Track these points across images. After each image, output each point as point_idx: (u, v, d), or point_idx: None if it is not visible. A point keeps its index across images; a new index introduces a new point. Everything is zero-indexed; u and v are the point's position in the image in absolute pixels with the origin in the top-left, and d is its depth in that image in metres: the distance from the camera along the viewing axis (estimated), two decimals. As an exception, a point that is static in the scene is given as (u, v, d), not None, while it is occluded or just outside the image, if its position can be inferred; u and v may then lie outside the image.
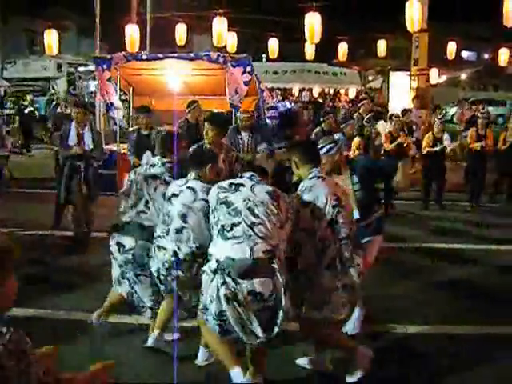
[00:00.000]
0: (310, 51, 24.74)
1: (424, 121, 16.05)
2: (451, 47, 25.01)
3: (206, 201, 4.90)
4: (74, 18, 38.54)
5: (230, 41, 22.83)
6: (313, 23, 17.62)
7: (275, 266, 4.43)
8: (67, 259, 8.45)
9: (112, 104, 13.21)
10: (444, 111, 23.96)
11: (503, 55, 22.76)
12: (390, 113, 15.92)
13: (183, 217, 5.02)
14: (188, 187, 5.09)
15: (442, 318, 6.49)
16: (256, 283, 4.37)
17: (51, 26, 19.02)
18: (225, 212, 4.53)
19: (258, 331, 4.43)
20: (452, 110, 27.41)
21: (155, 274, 5.23)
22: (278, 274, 4.42)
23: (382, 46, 26.03)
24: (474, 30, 36.61)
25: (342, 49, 25.73)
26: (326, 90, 34.84)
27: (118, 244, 5.60)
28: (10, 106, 29.81)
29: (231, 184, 4.68)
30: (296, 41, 25.49)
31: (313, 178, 4.90)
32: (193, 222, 5.00)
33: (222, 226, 4.52)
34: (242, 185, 4.64)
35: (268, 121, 14.15)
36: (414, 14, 16.59)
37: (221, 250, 4.49)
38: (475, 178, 12.83)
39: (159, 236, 5.19)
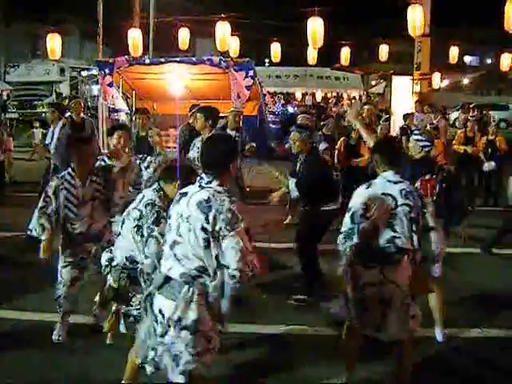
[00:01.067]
0: (312, 56, 24.70)
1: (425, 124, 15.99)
2: (454, 52, 24.99)
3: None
4: (77, 22, 38.67)
5: (233, 45, 22.81)
6: (315, 28, 17.61)
7: (190, 290, 3.96)
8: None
9: (112, 109, 13.24)
10: (447, 115, 24.00)
11: (506, 60, 22.71)
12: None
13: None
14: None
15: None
16: (162, 300, 4.05)
17: (54, 30, 19.02)
18: (166, 225, 4.27)
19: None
20: (454, 115, 27.40)
21: None
22: (195, 300, 3.97)
23: (384, 51, 26.00)
24: (477, 35, 36.58)
25: (345, 53, 25.71)
26: (329, 95, 34.87)
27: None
28: (12, 109, 29.96)
29: (181, 193, 4.17)
30: (299, 45, 25.47)
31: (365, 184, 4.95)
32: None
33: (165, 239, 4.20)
34: (186, 194, 4.08)
35: (271, 125, 14.18)
36: (417, 19, 16.58)
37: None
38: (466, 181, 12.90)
39: None
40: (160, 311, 4.04)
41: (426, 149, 6.11)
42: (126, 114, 13.88)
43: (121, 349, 5.20)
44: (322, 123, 11.60)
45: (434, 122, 15.42)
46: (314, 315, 6.62)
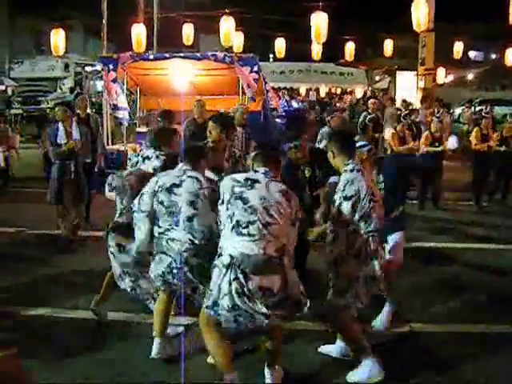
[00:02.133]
0: (316, 51, 24.72)
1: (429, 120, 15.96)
2: (458, 47, 24.97)
3: (212, 189, 5.10)
4: (81, 17, 38.63)
5: (237, 41, 22.81)
6: (319, 23, 17.61)
7: (285, 263, 4.58)
8: (74, 259, 8.48)
9: (114, 105, 13.23)
10: (451, 111, 23.95)
11: (510, 55, 22.62)
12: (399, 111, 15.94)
13: (192, 204, 5.07)
14: (190, 176, 5.18)
15: (444, 316, 6.53)
16: (266, 279, 4.49)
17: (58, 25, 19.03)
18: (240, 208, 4.59)
19: (264, 310, 4.53)
20: (458, 110, 27.35)
21: (164, 271, 5.19)
22: (288, 271, 4.59)
23: (388, 46, 25.98)
24: (481, 30, 36.42)
25: (349, 49, 25.70)
26: (333, 90, 34.83)
27: (118, 245, 5.73)
28: (16, 105, 29.98)
29: (247, 179, 4.72)
30: (303, 41, 25.43)
31: (353, 170, 5.05)
32: (201, 208, 5.07)
33: (237, 221, 4.57)
34: (258, 181, 4.69)
35: (278, 120, 14.16)
36: (421, 14, 16.55)
37: (235, 245, 4.56)
38: (482, 178, 12.78)
39: (167, 229, 5.16)
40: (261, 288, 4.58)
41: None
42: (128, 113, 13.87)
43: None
44: (328, 118, 11.55)
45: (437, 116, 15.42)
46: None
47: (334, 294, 5.07)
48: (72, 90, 30.51)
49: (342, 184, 5.03)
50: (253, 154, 5.12)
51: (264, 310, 4.52)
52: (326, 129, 10.94)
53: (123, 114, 13.57)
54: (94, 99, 28.25)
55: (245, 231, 4.54)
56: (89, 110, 11.33)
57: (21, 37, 37.20)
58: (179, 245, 5.08)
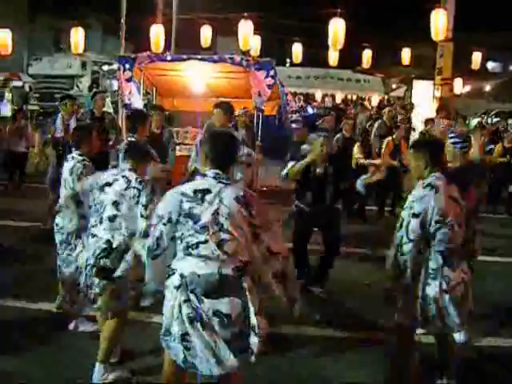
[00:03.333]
0: (333, 57, 24.68)
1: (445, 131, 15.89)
2: (476, 57, 24.84)
3: (139, 190, 5.07)
4: (100, 16, 38.86)
5: (255, 44, 22.82)
6: (337, 29, 17.56)
7: (245, 284, 4.05)
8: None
9: (128, 104, 13.23)
10: (467, 121, 23.84)
11: (529, 67, 22.57)
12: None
13: (116, 204, 5.10)
14: (123, 176, 5.19)
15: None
16: (223, 303, 3.98)
17: (77, 24, 19.13)
18: (190, 227, 4.06)
19: (230, 358, 3.97)
20: (474, 121, 27.24)
21: (84, 264, 5.29)
22: (248, 293, 4.04)
23: (406, 55, 25.90)
24: (500, 41, 36.30)
25: (366, 56, 25.64)
26: (349, 97, 34.82)
27: None
28: (33, 102, 30.18)
29: (196, 191, 4.11)
30: (320, 46, 25.41)
31: (426, 187, 4.86)
32: (124, 209, 5.08)
33: (187, 243, 4.07)
34: (209, 191, 4.09)
35: (293, 125, 14.13)
36: (440, 23, 16.48)
37: (185, 265, 4.06)
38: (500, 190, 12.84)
39: (92, 226, 5.27)
40: (216, 313, 4.07)
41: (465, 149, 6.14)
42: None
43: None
44: (341, 124, 11.63)
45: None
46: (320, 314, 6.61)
47: (401, 315, 4.96)
48: (90, 88, 30.64)
49: (412, 199, 4.91)
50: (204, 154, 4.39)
51: (230, 357, 3.96)
52: (339, 135, 11.02)
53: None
54: (109, 98, 28.38)
55: (195, 252, 4.04)
56: (106, 109, 11.38)
57: (40, 34, 37.46)
58: (96, 241, 5.15)
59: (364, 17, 29.76)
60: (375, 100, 32.00)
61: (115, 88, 29.75)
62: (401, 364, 5.15)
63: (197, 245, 4.03)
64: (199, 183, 4.20)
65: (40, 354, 5.66)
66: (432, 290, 4.78)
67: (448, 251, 4.78)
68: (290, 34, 27.74)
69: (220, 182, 4.13)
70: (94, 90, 28.34)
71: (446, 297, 4.76)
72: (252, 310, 4.00)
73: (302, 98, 30.79)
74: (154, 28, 18.75)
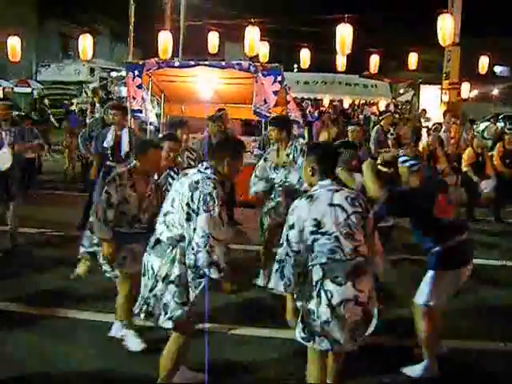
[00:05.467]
0: (341, 62, 24.74)
1: (454, 135, 15.93)
2: (483, 62, 24.84)
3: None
4: (108, 23, 39.06)
5: (262, 50, 22.90)
6: (344, 35, 17.63)
7: (173, 251, 4.70)
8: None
9: (137, 110, 13.30)
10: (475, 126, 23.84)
11: (536, 71, 22.57)
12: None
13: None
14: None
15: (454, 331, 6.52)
16: (153, 258, 4.74)
17: (86, 30, 19.26)
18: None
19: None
20: (482, 125, 27.22)
21: None
22: (177, 259, 4.68)
23: (413, 59, 25.92)
24: (507, 45, 36.28)
25: (374, 61, 25.67)
26: (357, 102, 34.80)
27: None
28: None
29: (182, 173, 4.98)
30: (328, 52, 25.46)
31: (304, 197, 4.59)
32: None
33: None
34: (186, 174, 4.82)
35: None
36: (447, 28, 16.53)
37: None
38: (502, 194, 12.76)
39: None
40: (151, 267, 4.73)
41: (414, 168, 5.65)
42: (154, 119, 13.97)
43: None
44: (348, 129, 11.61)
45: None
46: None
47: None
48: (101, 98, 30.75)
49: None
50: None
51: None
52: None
53: (149, 118, 13.64)
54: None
55: (160, 216, 4.88)
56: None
57: (48, 40, 37.68)
58: None
59: (371, 22, 29.76)
60: (383, 105, 31.98)
61: (123, 94, 29.94)
62: None
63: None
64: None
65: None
66: (313, 304, 4.48)
67: (330, 264, 4.44)
68: (298, 39, 27.79)
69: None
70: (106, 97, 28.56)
71: (328, 311, 4.43)
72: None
73: (309, 103, 30.83)
74: (162, 34, 18.86)
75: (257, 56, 21.41)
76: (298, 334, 4.59)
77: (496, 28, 35.06)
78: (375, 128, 13.61)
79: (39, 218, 10.76)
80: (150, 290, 4.72)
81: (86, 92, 31.75)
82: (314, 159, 4.68)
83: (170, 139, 6.62)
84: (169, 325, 4.68)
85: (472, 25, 22.42)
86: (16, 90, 31.36)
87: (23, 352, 5.74)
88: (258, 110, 12.14)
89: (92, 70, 32.45)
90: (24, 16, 34.00)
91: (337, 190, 4.56)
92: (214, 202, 4.51)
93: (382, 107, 31.11)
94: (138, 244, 5.65)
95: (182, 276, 4.61)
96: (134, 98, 13.28)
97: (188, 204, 4.55)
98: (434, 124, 16.71)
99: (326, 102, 32.73)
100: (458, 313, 6.82)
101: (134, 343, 5.80)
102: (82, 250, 6.10)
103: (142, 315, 4.80)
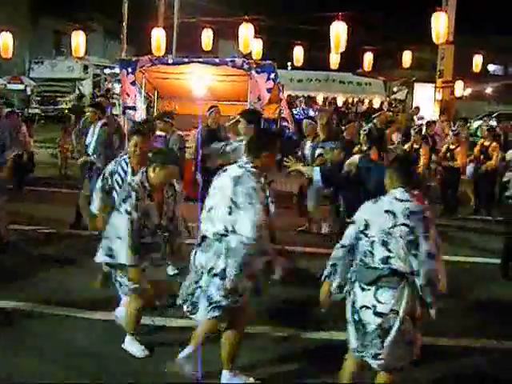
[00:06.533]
0: (334, 60, 24.67)
1: (446, 133, 15.92)
2: (477, 60, 24.81)
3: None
4: (102, 20, 38.96)
5: (256, 47, 22.83)
6: (338, 32, 17.55)
7: (219, 246, 4.86)
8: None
9: (128, 107, 13.26)
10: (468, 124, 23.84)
11: (530, 70, 22.61)
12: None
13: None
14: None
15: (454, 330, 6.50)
16: (199, 254, 4.97)
17: (79, 27, 19.15)
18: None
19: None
20: (476, 124, 27.25)
21: None
22: (222, 253, 4.84)
23: (407, 57, 25.87)
24: (501, 44, 36.33)
25: (368, 59, 25.61)
26: (351, 100, 34.81)
27: None
28: (35, 105, 30.26)
29: (222, 170, 5.10)
30: (321, 49, 25.40)
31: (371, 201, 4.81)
32: None
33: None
34: (226, 170, 5.06)
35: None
36: (441, 26, 16.48)
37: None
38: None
39: None
40: (199, 262, 4.95)
41: None
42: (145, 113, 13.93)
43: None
44: (343, 128, 11.61)
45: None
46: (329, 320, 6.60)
47: None
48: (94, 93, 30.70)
49: None
50: None
51: None
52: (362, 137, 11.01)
53: (135, 116, 13.58)
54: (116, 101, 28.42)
55: (204, 213, 5.07)
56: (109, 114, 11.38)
57: (41, 37, 37.53)
58: None
59: (365, 20, 29.73)
60: (377, 103, 31.97)
61: (117, 91, 29.87)
62: None
63: None
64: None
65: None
66: (347, 299, 4.76)
67: (361, 267, 4.64)
68: (292, 37, 27.73)
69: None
70: (96, 94, 28.47)
71: (350, 311, 4.70)
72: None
73: (303, 100, 30.81)
74: (155, 31, 18.78)
75: (250, 53, 21.36)
76: None
77: (490, 26, 35.12)
78: (368, 126, 13.54)
79: (32, 215, 10.73)
80: (196, 282, 4.94)
81: (79, 89, 31.69)
82: (391, 169, 4.84)
83: (139, 135, 6.55)
84: (214, 313, 4.89)
85: (466, 23, 22.43)
86: (9, 86, 31.17)
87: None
88: (251, 108, 12.12)
89: (85, 68, 32.33)
90: (17, 13, 33.87)
91: (401, 200, 4.57)
92: (258, 194, 4.75)
93: (375, 105, 31.15)
94: (159, 252, 5.71)
95: (226, 269, 4.77)
96: (128, 95, 13.26)
97: (231, 199, 4.76)
98: (428, 122, 16.69)
99: (319, 100, 32.74)
100: (453, 311, 6.81)
101: (139, 350, 5.71)
102: (101, 258, 5.62)
103: (186, 306, 5.02)
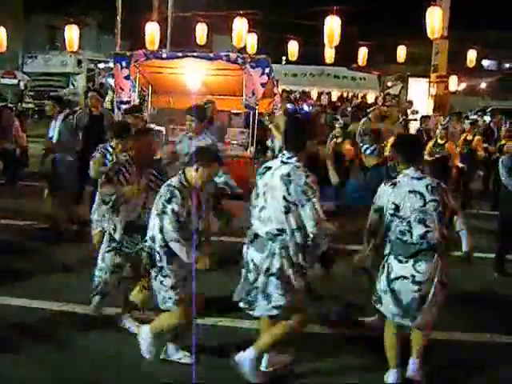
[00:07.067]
0: (329, 55, 24.66)
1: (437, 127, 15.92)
2: (471, 55, 24.85)
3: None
4: (96, 14, 38.82)
5: (250, 42, 22.83)
6: (332, 27, 17.54)
7: (273, 246, 4.87)
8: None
9: (123, 102, 13.22)
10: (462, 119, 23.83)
11: (524, 65, 22.64)
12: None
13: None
14: None
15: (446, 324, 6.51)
16: (253, 252, 4.97)
17: (72, 22, 19.09)
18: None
19: None
20: (472, 118, 27.26)
21: None
22: (277, 253, 4.90)
23: (401, 52, 25.88)
24: (495, 39, 36.41)
25: (362, 54, 25.61)
26: (345, 95, 34.79)
27: None
28: (28, 100, 30.15)
29: (264, 167, 5.13)
30: (316, 44, 25.38)
31: (387, 184, 5.15)
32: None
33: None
34: (269, 168, 5.05)
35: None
36: (435, 21, 16.49)
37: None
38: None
39: None
40: (252, 261, 4.94)
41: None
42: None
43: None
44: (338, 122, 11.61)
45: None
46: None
47: None
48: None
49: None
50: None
51: None
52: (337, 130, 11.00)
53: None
54: (110, 95, 28.33)
55: (254, 211, 5.09)
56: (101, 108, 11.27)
57: (35, 32, 37.43)
58: None
59: (359, 15, 29.70)
60: (371, 98, 31.96)
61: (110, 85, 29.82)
62: None
63: None
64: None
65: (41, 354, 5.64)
66: (380, 272, 5.20)
67: (398, 243, 5.04)
68: (286, 31, 27.71)
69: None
70: (87, 87, 28.38)
71: (385, 282, 5.09)
72: None
73: (297, 95, 30.77)
74: (149, 26, 18.73)
75: (245, 48, 21.35)
76: (373, 296, 5.19)
77: (484, 21, 35.17)
78: (362, 120, 13.52)
79: (26, 210, 10.70)
80: (252, 283, 4.94)
81: (73, 83, 31.60)
82: (399, 150, 5.25)
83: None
84: (273, 312, 4.92)
85: (460, 18, 22.39)
86: (2, 81, 31.12)
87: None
88: (246, 102, 12.13)
89: (79, 62, 32.24)
90: (11, 7, 33.74)
91: (419, 178, 5.01)
92: (312, 188, 4.75)
93: (370, 100, 31.15)
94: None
95: (282, 269, 4.81)
96: (122, 89, 13.23)
97: (284, 197, 4.78)
98: (422, 117, 16.70)
99: (314, 95, 32.71)
100: (445, 306, 6.81)
101: (150, 349, 5.40)
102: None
103: (242, 304, 5.04)
